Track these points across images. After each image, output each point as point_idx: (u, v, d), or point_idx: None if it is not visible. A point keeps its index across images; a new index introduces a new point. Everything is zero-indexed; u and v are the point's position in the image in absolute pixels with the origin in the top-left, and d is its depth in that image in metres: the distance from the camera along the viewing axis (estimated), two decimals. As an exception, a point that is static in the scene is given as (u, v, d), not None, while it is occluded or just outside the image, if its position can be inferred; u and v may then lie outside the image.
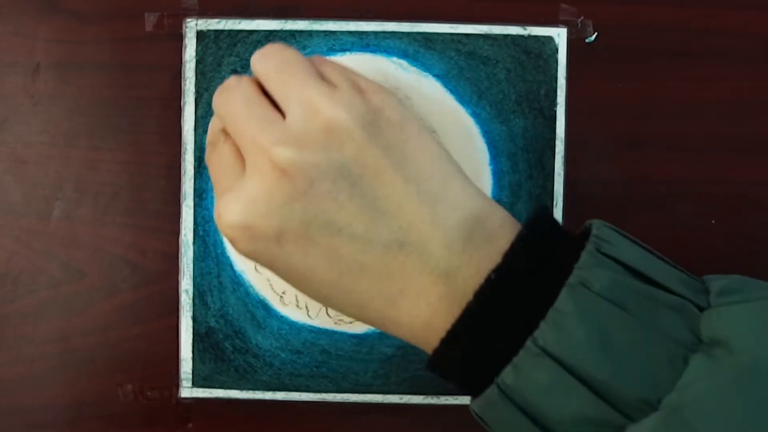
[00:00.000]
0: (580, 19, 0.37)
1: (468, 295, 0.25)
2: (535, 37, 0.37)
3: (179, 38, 0.37)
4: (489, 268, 0.25)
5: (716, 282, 0.25)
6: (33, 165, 0.38)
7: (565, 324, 0.23)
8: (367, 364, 0.38)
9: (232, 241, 0.26)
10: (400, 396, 0.38)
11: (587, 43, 0.37)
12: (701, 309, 0.24)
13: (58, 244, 0.38)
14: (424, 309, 0.25)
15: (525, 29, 0.37)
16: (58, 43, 0.37)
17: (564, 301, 0.23)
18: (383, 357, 0.38)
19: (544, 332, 0.23)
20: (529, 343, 0.23)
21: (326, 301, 0.27)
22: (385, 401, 0.38)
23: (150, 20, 0.37)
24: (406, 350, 0.38)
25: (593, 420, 0.23)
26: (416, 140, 0.26)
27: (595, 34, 0.37)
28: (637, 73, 0.38)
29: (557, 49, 0.37)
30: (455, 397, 0.38)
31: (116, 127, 0.38)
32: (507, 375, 0.24)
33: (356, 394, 0.38)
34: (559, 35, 0.37)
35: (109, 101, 0.38)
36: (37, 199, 0.38)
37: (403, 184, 0.25)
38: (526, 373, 0.23)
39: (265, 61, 0.28)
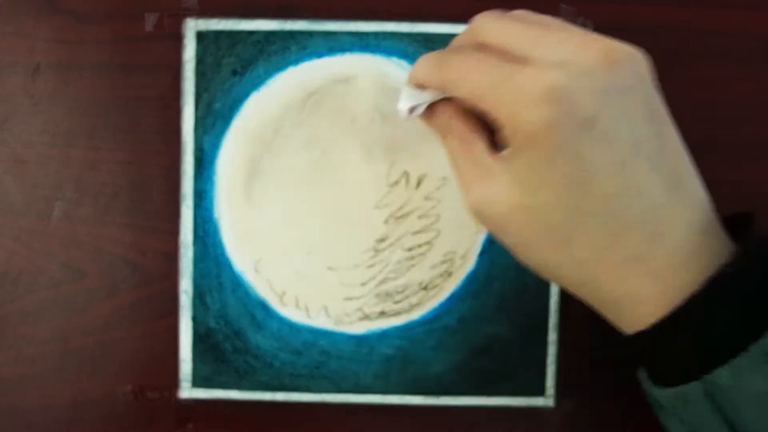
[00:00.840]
0: (580, 20, 0.37)
1: (712, 260, 0.25)
2: (535, 37, 0.37)
3: (179, 38, 0.37)
4: (717, 260, 0.25)
5: None
6: (33, 165, 0.38)
7: None
8: (367, 364, 0.38)
9: (533, 106, 0.24)
10: (400, 396, 0.38)
11: (587, 43, 0.37)
12: None
13: (58, 244, 0.38)
14: (680, 258, 0.25)
15: (525, 29, 0.37)
16: (58, 43, 0.37)
17: None
18: (383, 358, 0.38)
19: None
20: (754, 347, 0.23)
21: (580, 213, 0.25)
22: (385, 402, 0.38)
23: (150, 20, 0.37)
24: (406, 351, 0.38)
25: None
26: (651, 106, 0.27)
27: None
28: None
29: (557, 50, 0.37)
30: (455, 397, 0.38)
31: (116, 127, 0.38)
32: (721, 375, 0.23)
33: (356, 395, 0.38)
34: (559, 35, 0.37)
35: (109, 101, 0.38)
36: (37, 199, 0.38)
37: (677, 135, 0.27)
38: (744, 377, 0.23)
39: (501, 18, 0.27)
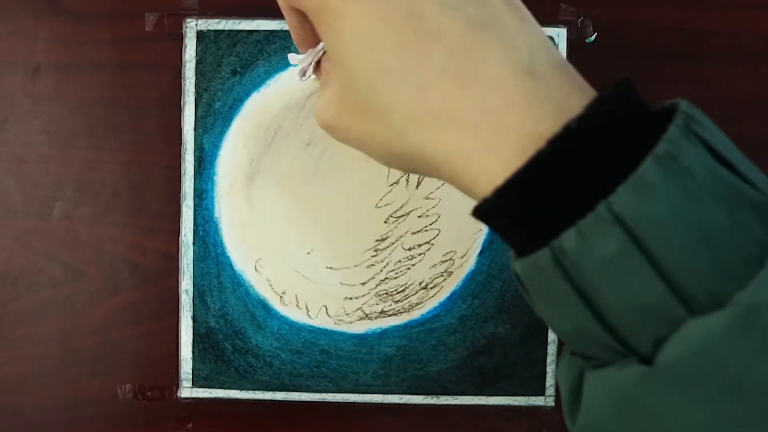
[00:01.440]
0: (580, 19, 0.37)
1: (548, 108, 0.22)
2: (535, 37, 0.37)
3: (179, 38, 0.37)
4: (571, 103, 0.22)
5: None
6: (33, 165, 0.38)
7: (647, 194, 0.20)
8: (367, 364, 0.38)
9: None
10: (400, 396, 0.38)
11: (587, 43, 0.37)
12: None
13: (59, 244, 0.38)
14: (499, 101, 0.22)
15: (525, 29, 0.37)
16: (58, 43, 0.38)
17: (649, 169, 0.20)
18: (383, 357, 0.38)
19: (622, 198, 0.20)
20: (601, 207, 0.20)
21: (385, 73, 0.24)
22: (385, 401, 0.38)
23: (150, 20, 0.37)
24: (406, 350, 0.38)
25: (651, 307, 0.21)
26: None
27: (595, 34, 0.37)
28: (637, 73, 0.37)
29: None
30: (455, 397, 0.38)
31: (116, 127, 0.38)
32: (567, 239, 0.21)
33: (356, 394, 0.38)
34: (559, 35, 0.37)
35: (109, 101, 0.38)
36: (37, 199, 0.38)
37: None
38: (591, 240, 0.21)
39: None
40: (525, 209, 0.22)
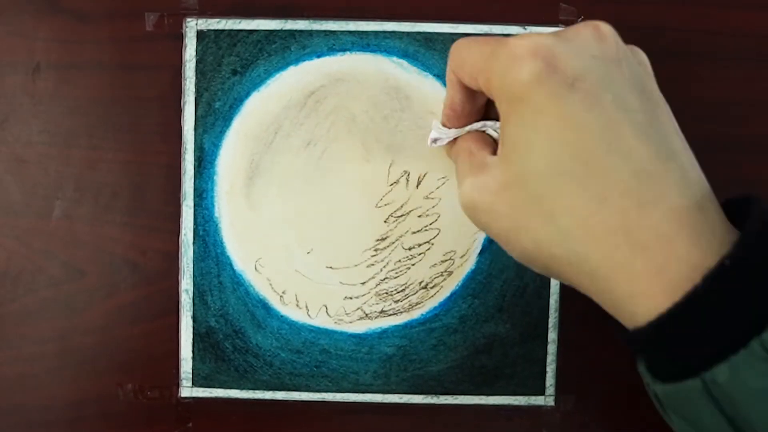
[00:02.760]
0: (580, 19, 0.37)
1: (713, 244, 0.23)
2: (535, 36, 0.37)
3: (179, 38, 0.37)
4: (726, 242, 0.23)
5: None
6: (33, 165, 0.38)
7: None
8: (367, 363, 0.38)
9: (515, 62, 0.25)
10: (400, 396, 0.38)
11: (587, 43, 0.37)
12: None
13: (58, 244, 0.38)
14: (673, 230, 0.24)
15: (525, 29, 0.37)
16: (58, 43, 0.37)
17: None
18: (383, 357, 0.38)
19: None
20: (754, 343, 0.22)
21: (569, 177, 0.25)
22: (385, 401, 0.38)
23: (150, 20, 0.37)
24: (406, 350, 0.38)
25: None
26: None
27: (595, 34, 0.37)
28: (637, 73, 0.38)
29: (557, 49, 0.37)
30: (455, 396, 0.38)
31: (116, 127, 0.38)
32: (720, 373, 0.22)
33: (356, 394, 0.38)
34: (559, 35, 0.37)
35: (109, 101, 0.38)
36: (37, 199, 0.38)
37: (671, 119, 0.26)
38: (744, 374, 0.22)
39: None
40: (679, 340, 0.24)
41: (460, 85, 0.30)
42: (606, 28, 0.26)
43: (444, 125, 0.32)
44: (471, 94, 0.30)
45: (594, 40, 0.26)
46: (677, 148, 0.25)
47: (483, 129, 0.31)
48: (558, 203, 0.25)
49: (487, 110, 0.32)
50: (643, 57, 0.28)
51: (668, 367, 0.25)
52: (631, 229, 0.24)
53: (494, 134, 0.31)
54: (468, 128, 0.31)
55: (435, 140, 0.32)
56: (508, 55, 0.25)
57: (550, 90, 0.24)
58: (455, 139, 0.32)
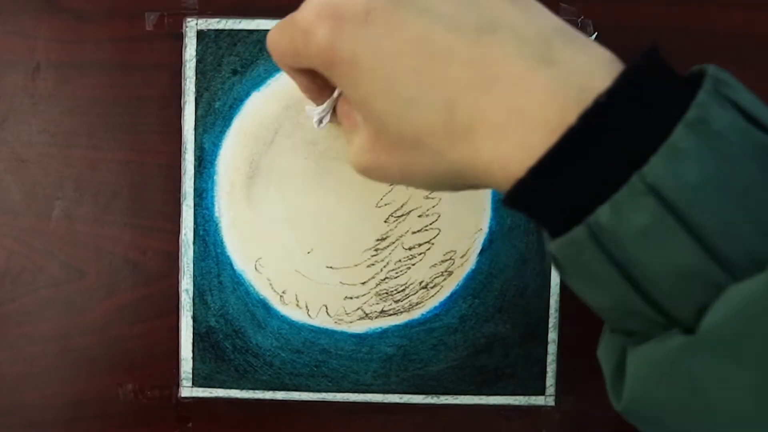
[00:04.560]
0: (580, 19, 0.37)
1: (572, 94, 0.22)
2: (535, 36, 0.37)
3: (179, 38, 0.37)
4: (596, 83, 0.22)
5: None
6: (33, 164, 0.38)
7: (679, 161, 0.20)
8: (367, 363, 0.38)
9: (310, 35, 0.24)
10: (400, 396, 0.38)
11: (587, 42, 0.37)
12: None
13: (58, 244, 0.38)
14: (523, 99, 0.22)
15: (525, 29, 0.37)
16: (58, 43, 0.37)
17: (681, 136, 0.20)
18: (383, 357, 0.38)
19: (655, 168, 0.20)
20: (635, 178, 0.20)
21: (411, 104, 0.24)
22: (385, 401, 0.38)
23: (150, 20, 0.37)
24: (406, 350, 0.38)
25: (692, 273, 0.20)
26: None
27: (595, 33, 0.37)
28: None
29: (557, 49, 0.37)
30: (455, 396, 0.38)
31: (116, 127, 0.38)
32: (602, 214, 0.21)
33: (356, 394, 0.38)
34: (559, 35, 0.37)
35: (109, 101, 0.38)
36: (37, 199, 0.38)
37: None
38: (626, 212, 0.21)
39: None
40: (558, 187, 0.22)
41: (293, 70, 0.29)
42: None
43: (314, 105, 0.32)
44: (311, 72, 0.29)
45: None
46: (500, 11, 0.24)
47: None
48: (417, 129, 0.24)
49: None
50: None
51: (557, 220, 0.23)
52: (484, 118, 0.23)
53: None
54: (336, 94, 0.31)
55: (318, 121, 0.32)
56: (301, 32, 0.25)
57: (351, 39, 0.24)
58: (335, 117, 0.32)
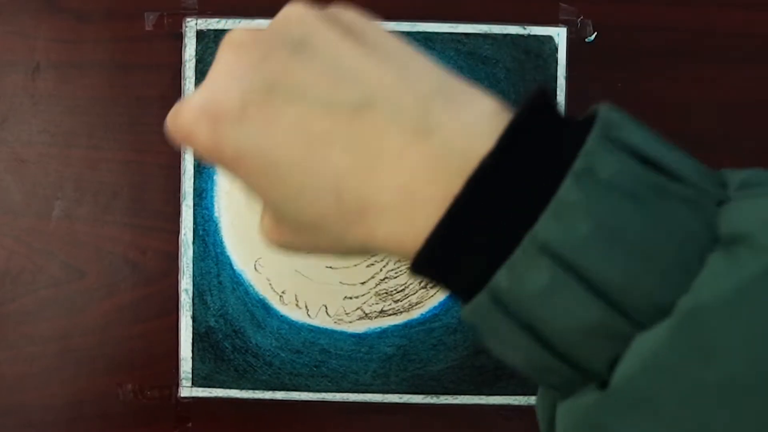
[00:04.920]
0: (579, 19, 0.37)
1: (455, 162, 0.21)
2: (535, 36, 0.37)
3: (179, 38, 0.37)
4: (479, 144, 0.21)
5: (735, 175, 0.22)
6: (33, 164, 0.38)
7: (568, 216, 0.20)
8: (367, 363, 0.38)
9: (192, 137, 0.24)
10: (400, 395, 0.38)
11: (587, 42, 0.37)
12: (719, 203, 0.21)
13: (58, 244, 0.38)
14: (406, 175, 0.22)
15: (525, 29, 0.37)
16: (58, 43, 0.38)
17: (568, 190, 0.20)
18: (383, 356, 0.38)
19: (545, 226, 0.20)
20: (527, 240, 0.20)
21: (300, 193, 0.23)
22: (385, 401, 0.38)
23: (150, 20, 0.37)
24: (405, 350, 0.38)
25: (598, 328, 0.20)
26: (377, 30, 0.24)
27: (595, 33, 0.37)
28: (636, 72, 0.38)
29: (557, 49, 0.37)
30: (455, 396, 0.38)
31: (116, 127, 0.38)
32: (501, 278, 0.20)
33: (356, 394, 0.38)
34: (559, 35, 0.37)
35: (109, 101, 0.38)
36: (37, 199, 0.38)
37: (364, 52, 0.23)
38: (523, 274, 0.20)
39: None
40: (456, 256, 0.22)
41: None
42: (234, 42, 0.25)
43: None
44: None
45: (229, 66, 0.24)
46: (373, 81, 0.23)
47: None
48: (310, 218, 0.24)
49: None
50: (291, 14, 0.26)
51: (461, 285, 0.23)
52: (373, 201, 0.22)
53: None
54: None
55: None
56: (185, 135, 0.24)
57: (231, 137, 0.23)
58: None
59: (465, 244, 0.22)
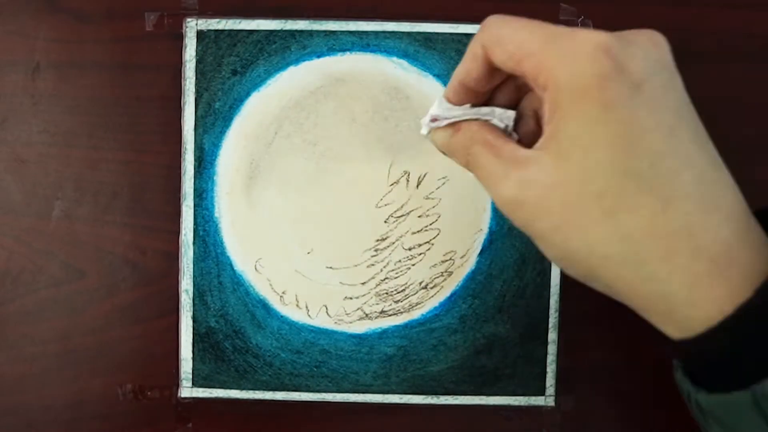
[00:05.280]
0: (579, 19, 0.37)
1: (739, 285, 0.23)
2: (536, 37, 0.37)
3: (179, 38, 0.37)
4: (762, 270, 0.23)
5: None
6: (33, 164, 0.38)
7: None
8: (367, 364, 0.38)
9: (592, 57, 0.24)
10: (400, 396, 0.38)
11: (587, 43, 0.37)
12: None
13: (58, 244, 0.38)
14: (733, 234, 0.23)
15: (525, 29, 0.37)
16: (58, 43, 0.37)
17: None
18: (383, 357, 0.38)
19: None
20: None
21: (636, 176, 0.24)
22: (385, 401, 0.38)
23: (150, 20, 0.37)
24: (406, 350, 0.38)
25: None
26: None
27: (595, 34, 0.37)
28: (637, 73, 0.38)
29: (557, 49, 0.37)
30: (455, 396, 0.38)
31: (116, 127, 0.38)
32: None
33: (356, 394, 0.38)
34: (560, 35, 0.37)
35: (109, 101, 0.38)
36: (37, 199, 0.38)
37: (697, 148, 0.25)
38: None
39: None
40: (738, 347, 0.23)
41: (484, 59, 0.27)
42: (659, 38, 0.26)
43: (449, 101, 0.29)
44: (492, 72, 0.28)
45: (653, 47, 0.26)
46: (720, 158, 0.26)
47: (488, 117, 0.28)
48: (621, 202, 0.24)
49: (491, 96, 0.30)
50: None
51: (717, 376, 0.24)
52: (694, 232, 0.24)
53: (500, 124, 0.28)
54: (474, 111, 0.28)
55: (433, 119, 0.29)
56: (578, 48, 0.24)
57: (618, 89, 0.24)
58: (454, 128, 0.29)
59: (751, 337, 0.23)
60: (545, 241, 0.26)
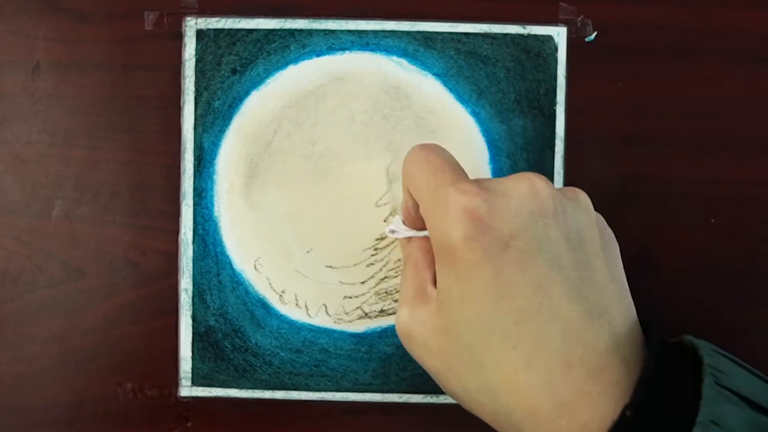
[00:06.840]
0: (579, 18, 0.37)
1: (622, 393, 0.24)
2: (535, 36, 0.37)
3: (179, 37, 0.37)
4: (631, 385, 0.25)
5: None
6: (33, 164, 0.38)
7: None
8: (367, 363, 0.38)
9: (454, 220, 0.25)
10: (400, 395, 0.38)
11: (587, 42, 0.37)
12: None
13: (58, 244, 0.38)
14: (597, 386, 0.24)
15: (524, 28, 0.37)
16: (58, 43, 0.38)
17: None
18: (383, 356, 0.38)
19: None
20: None
21: (501, 335, 0.25)
22: (385, 400, 0.38)
23: (150, 19, 0.38)
24: (405, 350, 0.38)
25: None
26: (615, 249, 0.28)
27: (595, 33, 0.37)
28: (636, 72, 0.38)
29: (557, 48, 0.37)
30: (455, 396, 0.38)
31: (116, 127, 0.38)
32: None
33: (356, 393, 0.38)
34: (559, 34, 0.37)
35: (109, 101, 0.38)
36: (37, 199, 0.38)
37: (607, 269, 0.26)
38: None
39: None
40: None
41: (410, 193, 0.30)
42: (540, 183, 0.27)
43: (403, 222, 0.33)
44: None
45: (530, 196, 0.26)
46: (608, 302, 0.26)
47: None
48: (487, 356, 0.25)
49: None
50: (584, 199, 0.28)
51: None
52: (557, 389, 0.24)
53: None
54: (423, 234, 0.31)
55: (392, 231, 0.33)
56: (447, 211, 0.26)
57: (483, 248, 0.25)
58: (407, 238, 0.33)
59: None
60: (432, 376, 0.29)
